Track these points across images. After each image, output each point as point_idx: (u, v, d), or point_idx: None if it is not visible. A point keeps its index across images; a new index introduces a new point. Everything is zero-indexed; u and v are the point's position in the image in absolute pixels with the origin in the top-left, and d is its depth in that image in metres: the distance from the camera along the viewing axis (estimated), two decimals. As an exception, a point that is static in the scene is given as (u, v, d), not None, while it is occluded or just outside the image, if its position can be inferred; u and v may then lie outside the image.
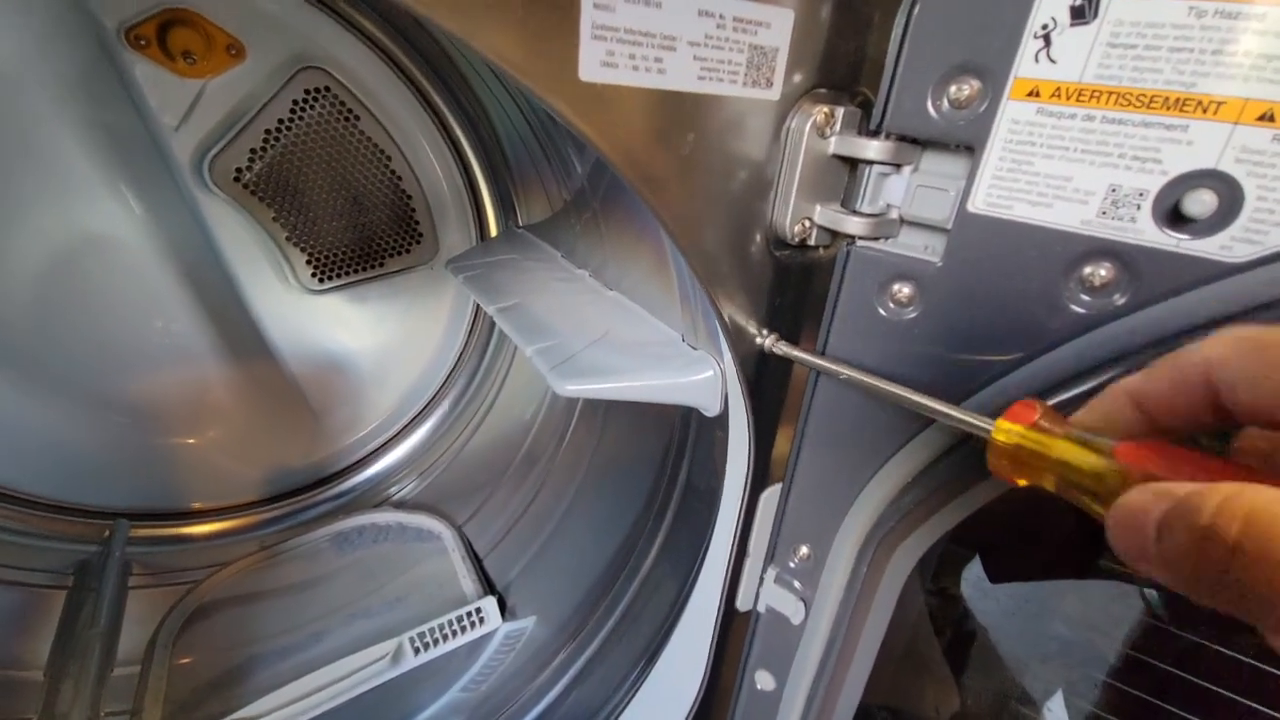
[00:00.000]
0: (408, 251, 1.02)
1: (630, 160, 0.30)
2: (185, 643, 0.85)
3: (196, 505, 0.98)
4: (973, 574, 1.39)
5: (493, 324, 1.11)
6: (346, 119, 0.90)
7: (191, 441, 0.96)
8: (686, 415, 0.75)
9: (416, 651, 0.81)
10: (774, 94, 0.33)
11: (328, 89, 0.87)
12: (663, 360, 0.62)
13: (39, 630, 0.80)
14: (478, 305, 1.10)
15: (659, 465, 0.79)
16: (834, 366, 0.36)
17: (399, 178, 0.97)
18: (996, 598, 1.49)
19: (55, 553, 0.87)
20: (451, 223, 1.03)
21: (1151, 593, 1.20)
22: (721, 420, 0.63)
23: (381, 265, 1.01)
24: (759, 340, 0.40)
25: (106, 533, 0.89)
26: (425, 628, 0.81)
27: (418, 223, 1.01)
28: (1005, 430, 0.28)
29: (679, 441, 0.76)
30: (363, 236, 0.97)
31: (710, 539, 0.58)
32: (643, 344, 0.66)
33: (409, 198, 0.99)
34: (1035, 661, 1.28)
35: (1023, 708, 1.21)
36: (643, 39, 0.28)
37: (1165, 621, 1.14)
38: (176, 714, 0.75)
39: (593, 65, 0.27)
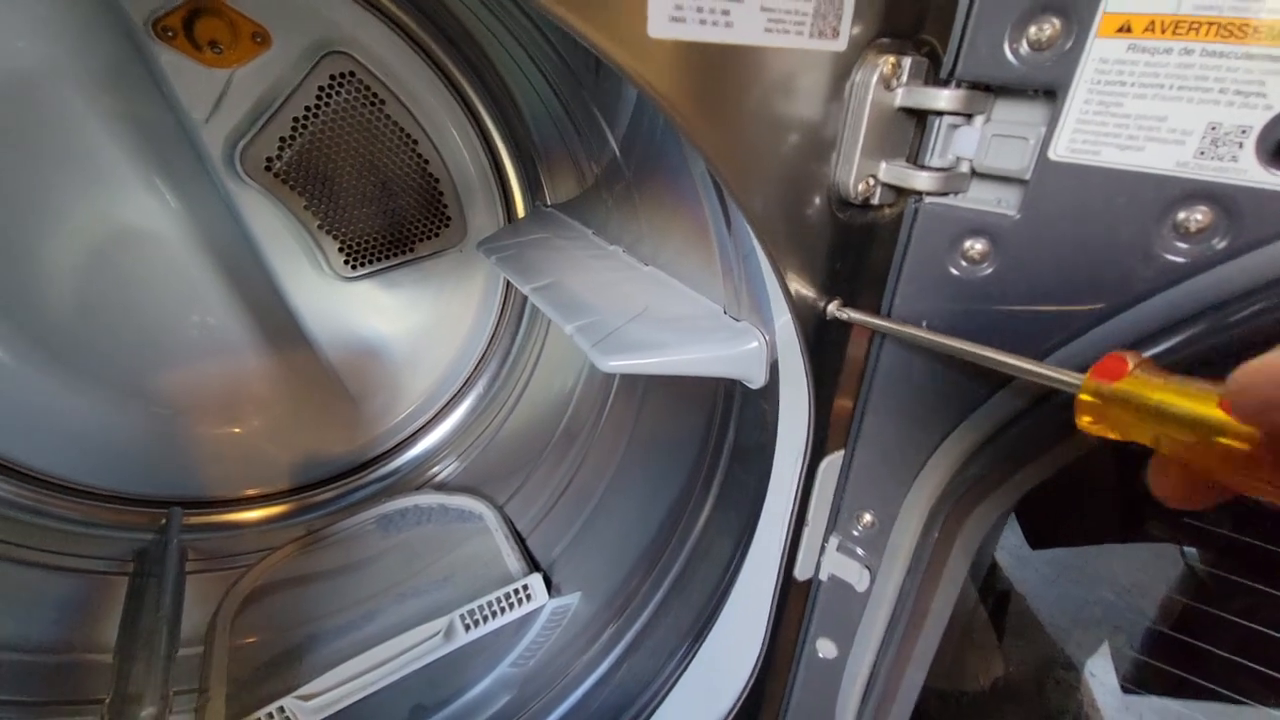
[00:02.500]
0: (436, 235, 1.02)
1: (697, 121, 0.29)
2: (242, 624, 0.88)
3: (246, 492, 1.01)
4: (1009, 541, 1.38)
5: (524, 305, 1.11)
6: (372, 103, 0.89)
7: (237, 430, 0.98)
8: (730, 383, 0.75)
9: (467, 628, 0.83)
10: (840, 44, 0.32)
11: (352, 74, 0.86)
12: (706, 333, 0.61)
13: (103, 615, 0.84)
14: (508, 287, 1.10)
15: (704, 432, 0.78)
16: (912, 330, 0.35)
17: (426, 161, 0.96)
18: (1035, 565, 1.48)
19: (115, 541, 0.90)
20: (479, 205, 1.02)
21: (1191, 550, 1.18)
22: (766, 393, 0.62)
23: (411, 250, 1.01)
24: (823, 306, 0.39)
25: (162, 520, 0.92)
26: (474, 605, 0.83)
27: (446, 206, 1.00)
28: (1097, 383, 0.27)
29: (724, 407, 0.75)
30: (392, 222, 0.97)
31: (761, 510, 0.57)
32: (684, 318, 0.65)
33: (436, 181, 0.98)
34: (1078, 628, 1.27)
35: (1066, 673, 1.20)
36: (710, -9, 0.27)
37: (1205, 578, 1.13)
38: (240, 692, 0.78)
39: (661, 21, 0.26)
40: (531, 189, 1.02)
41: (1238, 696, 0.83)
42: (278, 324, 0.96)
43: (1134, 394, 0.26)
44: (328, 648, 0.83)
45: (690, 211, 0.62)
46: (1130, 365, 0.27)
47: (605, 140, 0.71)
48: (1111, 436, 0.28)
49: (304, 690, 0.74)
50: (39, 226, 0.78)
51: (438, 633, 0.80)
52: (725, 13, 0.28)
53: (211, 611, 0.88)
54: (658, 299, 0.69)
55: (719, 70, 0.29)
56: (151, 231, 0.85)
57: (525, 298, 1.11)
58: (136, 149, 0.80)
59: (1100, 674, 1.22)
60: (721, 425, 0.75)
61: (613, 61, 0.26)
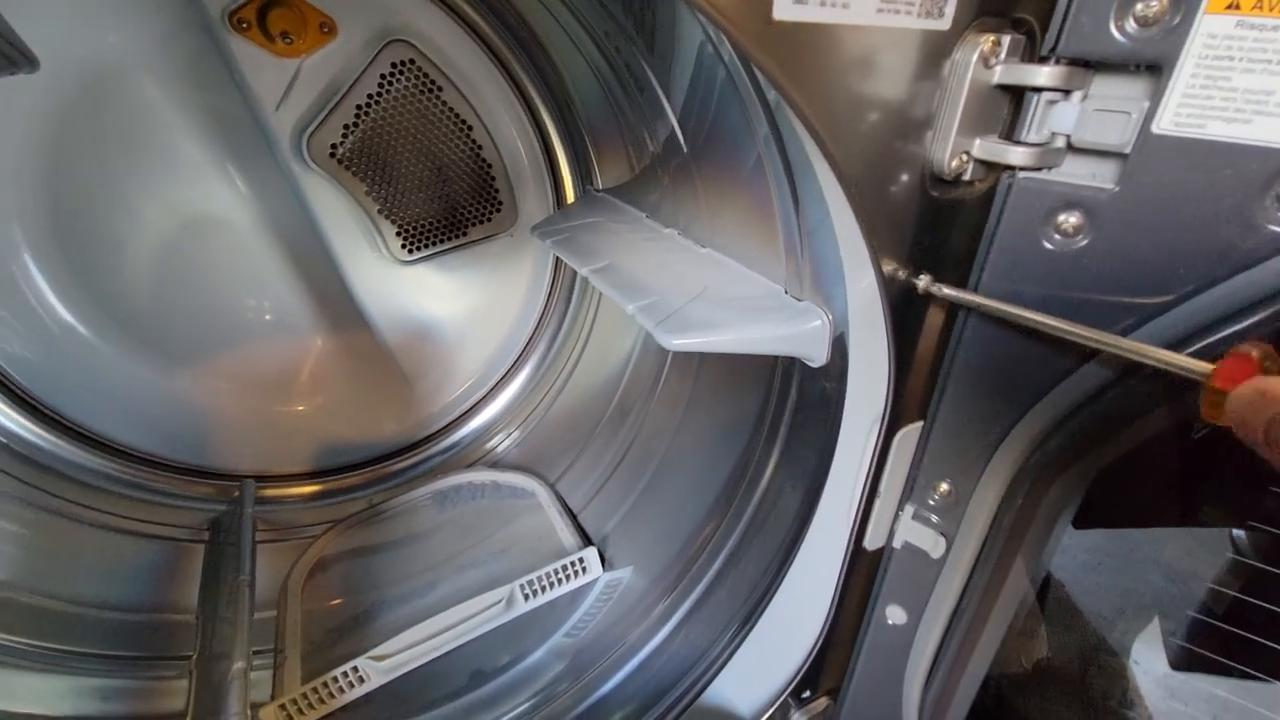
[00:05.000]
0: (488, 220, 1.04)
1: (811, 103, 0.31)
2: (311, 591, 0.92)
3: (309, 467, 1.05)
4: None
5: (571, 289, 1.13)
6: (430, 90, 0.91)
7: (301, 408, 1.03)
8: (789, 361, 0.76)
9: (526, 598, 0.86)
10: (945, 24, 0.33)
11: (412, 61, 0.89)
12: (768, 312, 0.62)
13: (183, 579, 0.89)
14: (555, 271, 1.12)
15: (760, 409, 0.80)
16: (1017, 310, 0.36)
17: (479, 147, 0.99)
18: (1074, 553, 1.46)
19: (191, 511, 0.95)
20: (529, 190, 1.04)
21: (1240, 534, 1.17)
22: (826, 370, 0.63)
23: (465, 234, 1.03)
24: (911, 281, 0.41)
25: (236, 492, 0.97)
26: (533, 576, 0.86)
27: (497, 191, 1.03)
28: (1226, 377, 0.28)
29: (782, 384, 0.76)
30: (446, 207, 1.00)
31: (824, 483, 0.59)
32: (744, 298, 0.66)
33: (489, 166, 1.01)
34: (1122, 617, 1.26)
35: (1111, 659, 1.20)
36: (828, -27, 0.28)
37: (1258, 562, 1.12)
38: (313, 653, 0.82)
39: (785, 4, 0.28)
40: (581, 174, 1.04)
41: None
42: (339, 306, 0.99)
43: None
44: (393, 614, 0.87)
45: (752, 187, 0.63)
46: (1258, 358, 0.28)
47: (662, 110, 0.70)
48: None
49: (376, 651, 0.78)
50: (122, 212, 0.82)
51: (499, 601, 0.84)
52: (843, -6, 0.29)
53: (278, 579, 0.93)
54: (716, 280, 0.70)
55: (832, 51, 0.30)
56: (224, 217, 0.89)
57: (573, 282, 1.13)
58: (211, 137, 0.84)
59: (1144, 661, 1.21)
60: (779, 403, 0.76)
61: (738, 46, 0.28)
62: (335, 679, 0.76)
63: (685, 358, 0.94)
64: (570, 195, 1.06)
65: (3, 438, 0.81)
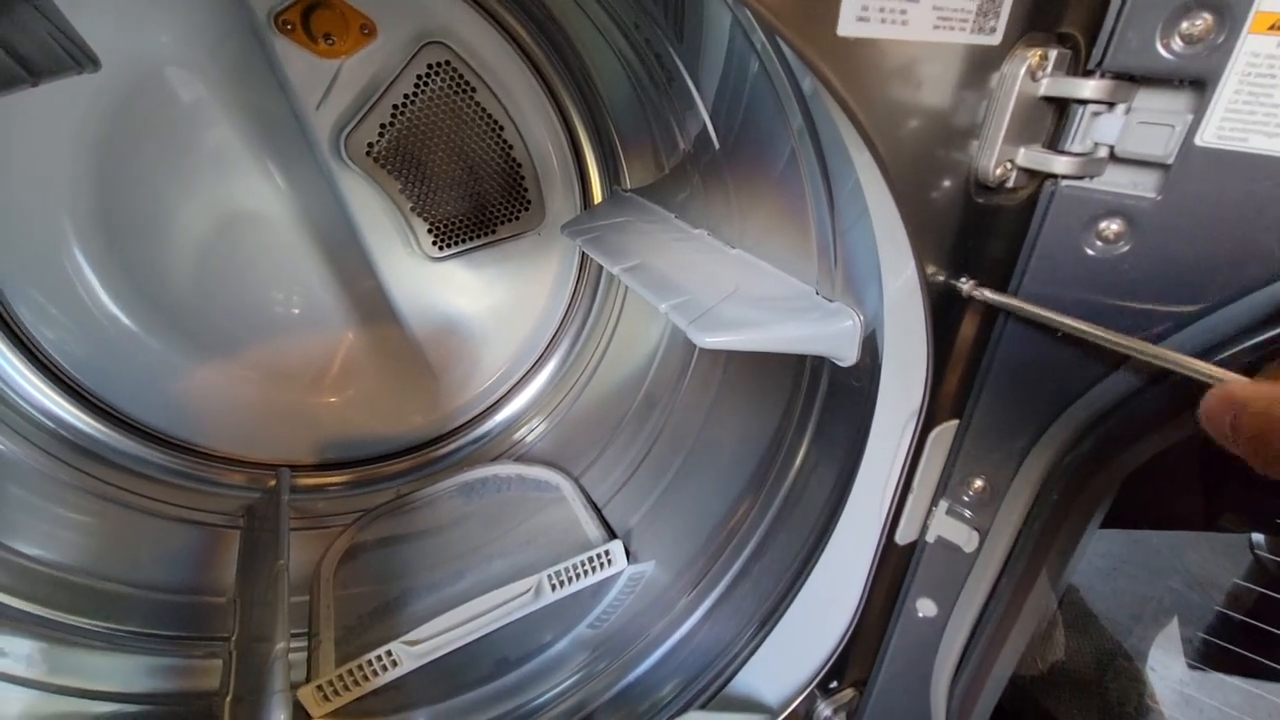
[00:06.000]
0: (517, 219, 1.06)
1: (866, 113, 0.32)
2: (342, 578, 0.95)
3: (340, 457, 1.08)
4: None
5: (596, 288, 1.15)
6: (464, 91, 0.94)
7: (333, 400, 1.05)
8: (817, 360, 0.77)
9: (554, 588, 0.88)
10: (995, 39, 0.34)
11: (447, 63, 0.91)
12: (800, 313, 0.64)
13: (217, 563, 0.92)
14: (580, 270, 1.14)
15: (786, 408, 0.81)
16: (1057, 317, 0.38)
17: (510, 147, 1.01)
18: (1090, 558, 1.46)
19: (227, 498, 0.98)
20: (558, 189, 1.06)
21: (1259, 538, 1.18)
22: (854, 370, 0.65)
23: (493, 232, 1.05)
24: (954, 285, 0.42)
25: (270, 481, 0.99)
26: (561, 566, 0.88)
27: (526, 190, 1.05)
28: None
29: (810, 383, 0.78)
30: (477, 205, 1.02)
31: (853, 479, 0.60)
32: (775, 298, 0.68)
33: (519, 166, 1.03)
34: (1139, 623, 1.26)
35: (1126, 663, 1.20)
36: (894, -9, 0.30)
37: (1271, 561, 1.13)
38: (346, 637, 0.84)
39: (850, 21, 0.29)
40: (609, 174, 1.06)
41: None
42: (370, 301, 1.02)
43: None
44: (422, 601, 0.89)
45: (784, 186, 0.64)
46: None
47: (693, 103, 0.70)
48: None
49: (409, 636, 0.80)
50: (166, 206, 0.85)
51: (528, 590, 0.86)
52: (903, 12, 0.31)
53: (309, 566, 0.95)
54: (747, 280, 0.72)
55: (890, 64, 0.32)
56: (263, 213, 0.91)
57: (598, 278, 1.15)
58: (253, 135, 0.86)
59: (1161, 667, 1.21)
60: (807, 399, 0.78)
61: (804, 59, 0.29)
62: (369, 662, 0.78)
63: (712, 354, 0.96)
64: (597, 195, 1.08)
65: (52, 424, 0.84)
